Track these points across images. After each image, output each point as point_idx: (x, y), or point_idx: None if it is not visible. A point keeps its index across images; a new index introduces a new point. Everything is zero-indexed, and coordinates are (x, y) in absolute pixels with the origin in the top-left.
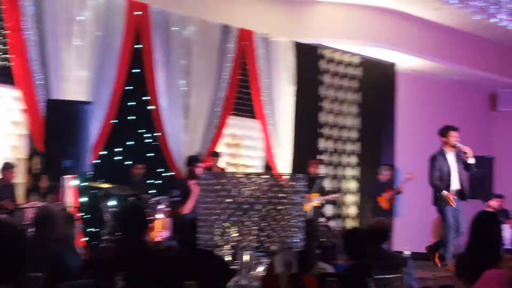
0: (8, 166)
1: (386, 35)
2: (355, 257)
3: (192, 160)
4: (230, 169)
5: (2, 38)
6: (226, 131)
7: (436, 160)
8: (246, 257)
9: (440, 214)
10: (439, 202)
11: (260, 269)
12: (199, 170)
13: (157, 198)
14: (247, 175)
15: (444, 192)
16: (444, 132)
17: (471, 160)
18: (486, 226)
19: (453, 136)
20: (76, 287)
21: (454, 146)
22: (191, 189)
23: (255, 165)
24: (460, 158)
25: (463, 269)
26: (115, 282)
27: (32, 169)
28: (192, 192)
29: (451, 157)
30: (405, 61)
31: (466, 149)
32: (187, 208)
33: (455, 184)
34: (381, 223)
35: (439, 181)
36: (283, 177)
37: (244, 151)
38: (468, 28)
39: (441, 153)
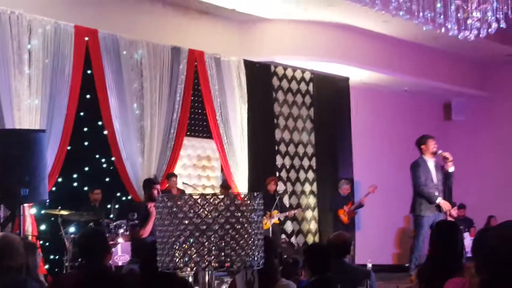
0: None
1: (336, 49)
2: (317, 272)
3: (149, 183)
4: (188, 190)
5: None
6: (182, 152)
7: (419, 166)
8: (207, 278)
9: (415, 223)
10: (419, 209)
11: None
12: (156, 192)
13: (116, 223)
14: (204, 196)
15: (441, 200)
16: (423, 140)
17: (451, 169)
18: (447, 235)
19: (432, 144)
20: None
21: (435, 153)
22: (150, 212)
23: (213, 185)
24: (441, 166)
25: (425, 279)
26: None
27: None
28: (151, 215)
29: (431, 164)
30: (356, 75)
31: (447, 154)
32: (146, 231)
33: (436, 193)
34: (342, 237)
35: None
36: (240, 196)
37: (201, 171)
38: (418, 39)
39: (422, 160)
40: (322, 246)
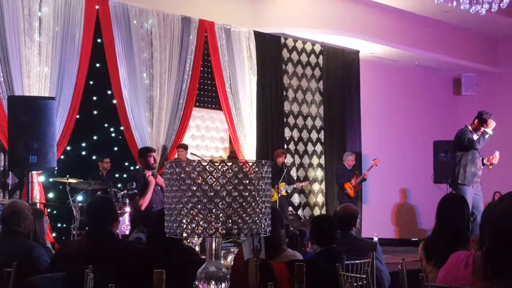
0: None
1: (347, 22)
2: (323, 243)
3: (145, 151)
4: None
5: None
6: (191, 123)
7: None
8: (214, 245)
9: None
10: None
11: (230, 258)
12: (152, 160)
13: (124, 192)
14: (212, 162)
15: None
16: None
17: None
18: (453, 208)
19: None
20: (46, 280)
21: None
22: (149, 180)
23: (221, 156)
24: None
25: (431, 252)
26: (86, 275)
27: None
28: (150, 183)
29: (475, 137)
30: (367, 48)
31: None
32: (145, 200)
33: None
34: (348, 209)
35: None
36: (248, 164)
37: (210, 142)
38: (429, 13)
39: (469, 130)
40: (329, 217)
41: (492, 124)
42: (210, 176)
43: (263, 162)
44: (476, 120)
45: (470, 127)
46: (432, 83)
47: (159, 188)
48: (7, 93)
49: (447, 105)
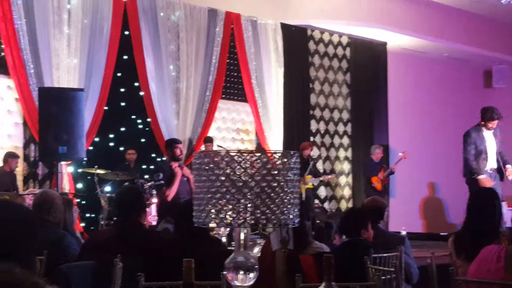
0: (13, 155)
1: (374, 13)
2: (351, 235)
3: (171, 142)
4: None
5: None
6: (217, 115)
7: (470, 137)
8: (242, 235)
9: None
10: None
11: (257, 250)
12: (178, 151)
13: (151, 183)
14: (241, 153)
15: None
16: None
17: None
18: (484, 202)
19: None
20: (76, 268)
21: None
22: (175, 172)
23: (247, 148)
24: (497, 138)
25: (461, 247)
26: (115, 264)
27: (29, 157)
28: (176, 175)
29: (488, 134)
30: (394, 40)
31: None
32: (172, 191)
33: (492, 162)
34: (376, 202)
35: (474, 160)
36: (276, 154)
37: (236, 134)
38: (459, 4)
39: (477, 130)
40: (359, 209)
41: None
42: (238, 166)
43: (292, 153)
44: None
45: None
46: (462, 75)
47: (185, 179)
48: (37, 85)
49: (477, 97)
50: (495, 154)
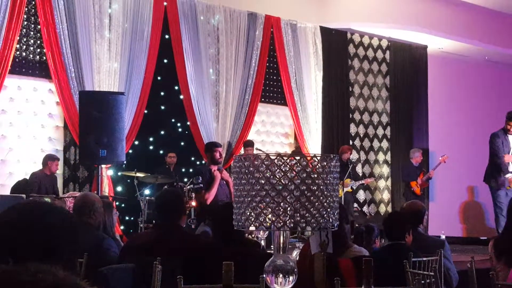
0: (54, 158)
1: (415, 16)
2: (392, 238)
3: (211, 145)
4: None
5: (36, 32)
6: (256, 118)
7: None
8: (281, 238)
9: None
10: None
11: (295, 253)
12: (218, 155)
13: (190, 186)
14: (281, 156)
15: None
16: None
17: None
18: None
19: None
20: (116, 271)
21: None
22: (214, 175)
23: (286, 152)
24: None
25: (502, 251)
26: (154, 267)
27: (69, 160)
28: (216, 178)
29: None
30: (435, 43)
31: None
32: (211, 195)
33: None
34: (415, 206)
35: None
36: (316, 158)
37: (275, 137)
38: (500, 7)
39: (503, 132)
40: (400, 214)
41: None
42: (278, 170)
43: (332, 156)
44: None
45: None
46: (503, 78)
47: (224, 182)
48: (78, 89)
49: None
50: None
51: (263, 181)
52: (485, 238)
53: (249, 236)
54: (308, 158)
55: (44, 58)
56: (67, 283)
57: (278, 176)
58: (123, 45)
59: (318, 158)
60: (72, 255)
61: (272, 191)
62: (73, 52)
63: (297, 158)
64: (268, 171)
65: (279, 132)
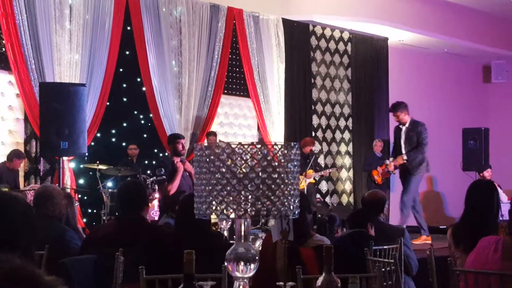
0: (21, 156)
1: (375, 9)
2: (352, 227)
3: (174, 137)
4: None
5: None
6: (219, 110)
7: None
8: (243, 226)
9: None
10: None
11: (258, 243)
12: (180, 146)
13: (153, 178)
14: (242, 145)
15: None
16: None
17: None
18: (481, 194)
19: None
20: (77, 262)
21: None
22: (177, 167)
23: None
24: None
25: (459, 238)
26: (116, 258)
27: (30, 153)
28: (178, 170)
29: None
30: (396, 35)
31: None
32: (174, 186)
33: None
34: (376, 195)
35: None
36: (276, 146)
37: (238, 129)
38: (460, 0)
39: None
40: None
41: None
42: (239, 158)
43: (292, 145)
44: None
45: None
46: (461, 70)
47: (187, 174)
48: (38, 80)
49: (477, 92)
50: None
51: (224, 170)
52: (444, 227)
53: (213, 228)
54: (269, 146)
55: (4, 49)
56: (24, 271)
57: (239, 165)
58: (84, 36)
59: (279, 146)
60: (30, 244)
61: (233, 180)
62: (33, 43)
63: (258, 146)
64: (229, 159)
65: (242, 124)
